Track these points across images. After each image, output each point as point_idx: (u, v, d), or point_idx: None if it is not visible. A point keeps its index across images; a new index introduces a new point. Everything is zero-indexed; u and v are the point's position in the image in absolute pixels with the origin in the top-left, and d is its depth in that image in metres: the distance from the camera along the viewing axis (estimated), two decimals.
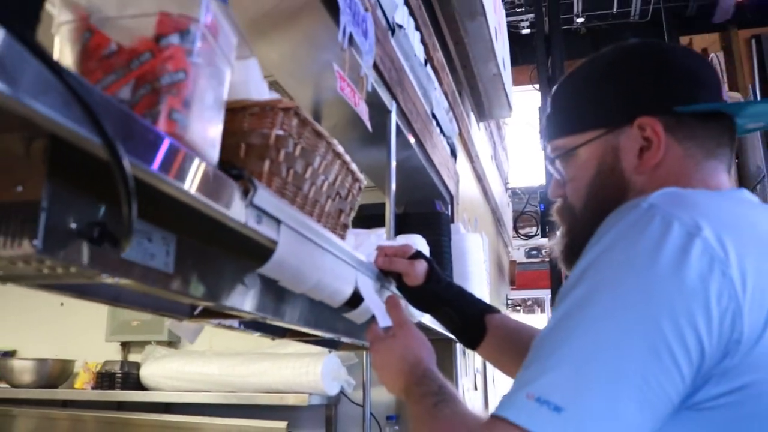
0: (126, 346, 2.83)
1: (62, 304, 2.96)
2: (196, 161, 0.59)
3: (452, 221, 2.31)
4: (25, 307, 3.04)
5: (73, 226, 0.58)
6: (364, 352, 2.38)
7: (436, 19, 2.30)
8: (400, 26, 1.76)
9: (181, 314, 1.04)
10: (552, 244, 0.94)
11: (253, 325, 1.25)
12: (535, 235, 6.07)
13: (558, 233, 0.94)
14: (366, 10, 1.36)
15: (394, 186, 1.65)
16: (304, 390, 2.18)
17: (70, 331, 2.92)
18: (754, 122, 0.88)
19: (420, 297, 1.19)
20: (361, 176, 1.08)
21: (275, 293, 0.95)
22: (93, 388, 2.53)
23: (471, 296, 1.20)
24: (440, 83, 2.32)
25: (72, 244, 0.58)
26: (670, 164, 0.79)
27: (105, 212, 0.62)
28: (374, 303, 1.08)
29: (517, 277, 7.78)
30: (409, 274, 1.17)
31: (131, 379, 2.47)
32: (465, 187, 2.88)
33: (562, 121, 0.91)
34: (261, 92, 0.82)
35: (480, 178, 3.38)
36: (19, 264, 0.59)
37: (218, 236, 0.76)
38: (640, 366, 0.57)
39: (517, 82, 9.36)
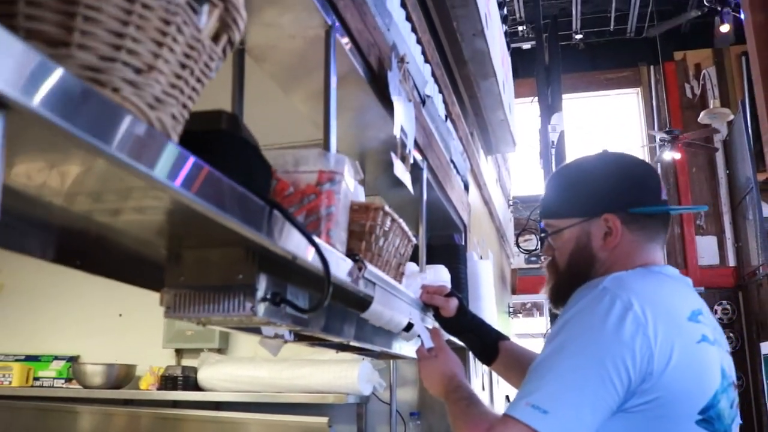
0: (179, 352, 3.24)
1: (120, 315, 3.37)
2: (344, 260, 1.00)
3: (466, 248, 2.73)
4: (86, 317, 3.45)
5: (268, 296, 1.00)
6: (391, 360, 2.80)
7: (455, 80, 2.72)
8: (429, 96, 2.17)
9: (286, 339, 1.46)
10: (543, 290, 1.36)
11: (326, 342, 1.66)
12: (535, 249, 6.48)
13: (547, 282, 1.36)
14: (409, 100, 1.77)
15: (425, 228, 2.06)
16: (342, 391, 2.59)
17: (127, 339, 3.33)
18: (684, 211, 1.32)
19: (451, 325, 1.62)
20: (413, 237, 1.50)
21: (359, 325, 1.36)
22: (158, 389, 2.94)
23: (488, 326, 1.63)
24: (456, 130, 2.74)
25: (265, 307, 0.99)
26: (623, 247, 1.22)
27: (275, 285, 1.03)
28: (422, 330, 1.49)
29: (517, 282, 8.20)
30: (444, 308, 1.59)
31: (190, 381, 2.88)
32: (474, 213, 3.29)
33: (555, 207, 1.33)
34: (358, 195, 1.24)
35: (486, 202, 3.80)
36: (234, 318, 1.01)
37: (334, 293, 1.17)
38: (594, 388, 1.00)
39: (518, 94, 9.77)
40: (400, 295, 1.38)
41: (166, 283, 1.02)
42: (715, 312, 8.89)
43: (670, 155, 8.41)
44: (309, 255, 0.93)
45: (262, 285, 0.98)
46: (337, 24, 1.32)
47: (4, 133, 0.41)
